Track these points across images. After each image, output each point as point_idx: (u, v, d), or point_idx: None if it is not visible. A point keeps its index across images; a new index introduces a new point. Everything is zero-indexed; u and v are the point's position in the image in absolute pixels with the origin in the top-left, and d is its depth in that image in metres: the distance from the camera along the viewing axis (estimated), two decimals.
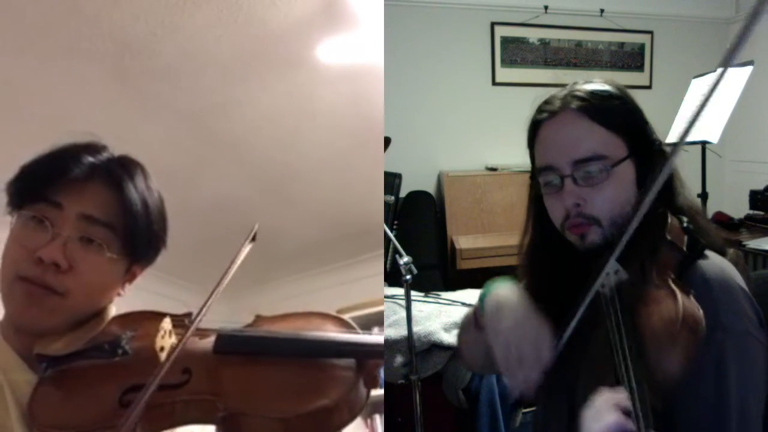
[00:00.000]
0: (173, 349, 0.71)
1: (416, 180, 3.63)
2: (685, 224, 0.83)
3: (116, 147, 0.84)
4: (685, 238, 0.82)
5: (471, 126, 3.82)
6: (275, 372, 0.72)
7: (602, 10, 3.87)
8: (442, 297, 2.26)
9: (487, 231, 3.53)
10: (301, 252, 3.05)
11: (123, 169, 0.82)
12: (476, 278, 3.08)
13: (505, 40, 3.84)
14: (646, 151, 0.89)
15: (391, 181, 3.13)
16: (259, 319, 0.82)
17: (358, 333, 0.79)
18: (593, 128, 0.87)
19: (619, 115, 0.89)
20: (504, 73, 3.85)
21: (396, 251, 1.74)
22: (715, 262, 0.83)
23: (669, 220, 0.83)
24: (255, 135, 2.18)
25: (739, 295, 0.80)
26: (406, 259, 1.70)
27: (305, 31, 1.76)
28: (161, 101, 1.96)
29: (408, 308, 1.73)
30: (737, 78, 2.59)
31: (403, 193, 3.43)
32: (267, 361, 0.73)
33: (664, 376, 0.68)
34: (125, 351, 0.74)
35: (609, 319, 0.75)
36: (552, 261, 0.96)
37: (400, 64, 3.52)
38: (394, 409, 1.93)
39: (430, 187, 3.77)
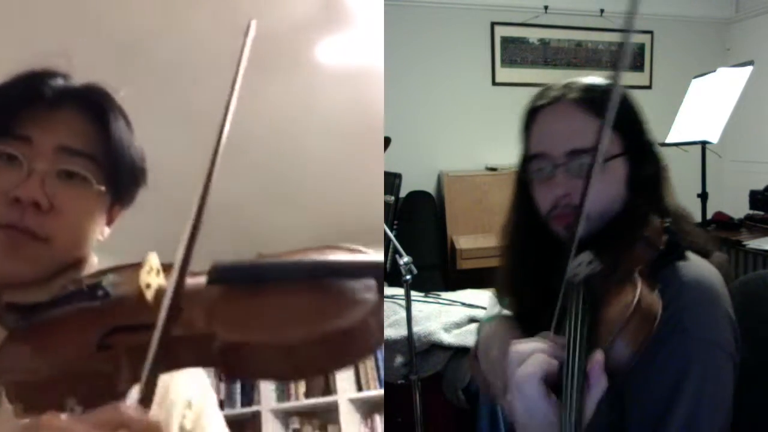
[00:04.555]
0: (162, 288, 0.62)
1: (416, 180, 3.64)
2: (666, 224, 0.81)
3: None
4: (665, 237, 0.80)
5: (471, 126, 3.82)
6: (281, 297, 0.62)
7: (602, 10, 3.87)
8: (442, 297, 2.26)
9: (487, 231, 3.53)
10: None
11: (98, 94, 0.76)
12: (476, 278, 3.08)
13: (505, 40, 3.84)
14: (640, 150, 0.89)
15: (391, 181, 3.12)
16: (262, 256, 0.72)
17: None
18: (590, 121, 0.85)
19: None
20: (504, 73, 3.85)
21: (396, 251, 1.74)
22: (693, 267, 0.81)
23: (650, 219, 0.82)
24: (254, 134, 2.18)
25: (713, 307, 0.78)
26: (406, 259, 1.70)
27: (305, 31, 1.77)
28: (161, 101, 1.96)
29: (408, 308, 1.73)
30: (737, 78, 2.58)
31: (403, 193, 3.43)
32: (271, 289, 0.63)
33: (612, 363, 0.67)
34: (107, 293, 0.65)
35: (570, 307, 0.73)
36: (532, 248, 0.94)
37: (400, 64, 3.52)
38: (394, 409, 1.93)
39: (430, 187, 3.77)
